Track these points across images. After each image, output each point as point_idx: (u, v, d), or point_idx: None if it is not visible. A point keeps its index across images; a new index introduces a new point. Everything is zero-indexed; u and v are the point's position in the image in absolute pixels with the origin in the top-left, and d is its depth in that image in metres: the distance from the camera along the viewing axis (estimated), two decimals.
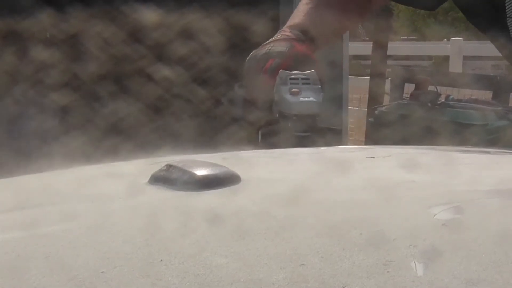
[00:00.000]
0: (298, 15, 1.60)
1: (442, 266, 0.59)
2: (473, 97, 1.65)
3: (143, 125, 3.52)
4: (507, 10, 1.48)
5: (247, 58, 1.52)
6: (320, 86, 1.41)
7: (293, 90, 1.39)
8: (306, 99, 1.38)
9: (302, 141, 1.36)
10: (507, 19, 1.48)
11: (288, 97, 1.39)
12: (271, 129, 1.43)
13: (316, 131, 1.39)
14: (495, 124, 1.40)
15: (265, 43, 1.52)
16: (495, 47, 1.63)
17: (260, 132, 1.45)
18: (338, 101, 3.96)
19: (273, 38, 1.53)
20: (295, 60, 1.45)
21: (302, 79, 1.41)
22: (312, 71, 1.42)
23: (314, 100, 1.38)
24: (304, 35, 1.53)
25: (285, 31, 1.54)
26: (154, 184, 0.82)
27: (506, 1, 1.47)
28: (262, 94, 1.45)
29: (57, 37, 3.42)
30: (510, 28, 1.48)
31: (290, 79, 1.40)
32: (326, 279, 0.58)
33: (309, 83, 1.40)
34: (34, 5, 3.28)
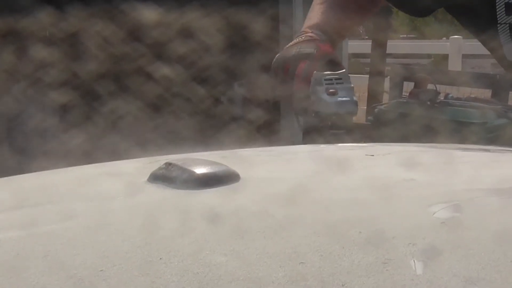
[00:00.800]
0: (316, 15, 1.62)
1: (441, 265, 0.59)
2: (473, 96, 1.65)
3: (142, 123, 3.52)
4: (498, 17, 1.49)
5: (274, 60, 1.54)
6: (352, 85, 1.45)
7: (330, 90, 1.42)
8: (343, 98, 1.42)
9: (339, 139, 1.41)
10: (498, 25, 1.49)
11: (326, 97, 1.42)
12: (311, 129, 1.47)
13: (351, 128, 1.44)
14: (494, 122, 1.40)
15: (290, 45, 1.54)
16: (487, 50, 1.65)
17: (302, 134, 1.49)
18: None
19: (297, 39, 1.55)
20: (322, 61, 1.48)
21: (336, 79, 1.44)
22: (343, 70, 1.45)
23: (351, 99, 1.43)
24: (325, 35, 1.56)
25: (307, 32, 1.56)
26: (153, 183, 0.82)
27: (497, 8, 1.48)
28: (297, 95, 1.48)
29: (57, 36, 3.42)
30: (500, 34, 1.50)
31: (325, 80, 1.43)
32: (325, 277, 0.58)
33: (342, 83, 1.44)
34: (34, 4, 3.28)
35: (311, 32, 1.56)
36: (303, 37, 1.54)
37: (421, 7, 1.67)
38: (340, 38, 1.72)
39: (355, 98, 1.43)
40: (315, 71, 1.45)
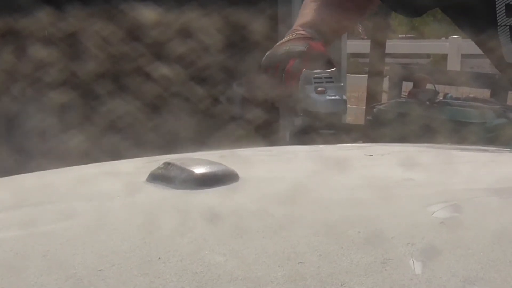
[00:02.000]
0: (308, 13, 1.60)
1: (440, 264, 0.59)
2: (472, 95, 1.65)
3: (141, 123, 3.52)
4: (498, 19, 1.48)
5: (264, 58, 1.52)
6: (342, 84, 1.42)
7: (319, 89, 1.40)
8: (332, 97, 1.40)
9: (328, 139, 1.38)
10: (498, 27, 1.48)
11: (315, 96, 1.40)
12: (299, 128, 1.45)
13: (341, 128, 1.41)
14: (493, 122, 1.40)
15: (281, 42, 1.52)
16: (484, 52, 1.63)
17: (288, 133, 1.47)
18: None
19: (289, 37, 1.52)
20: (313, 59, 1.45)
21: (326, 77, 1.42)
22: (334, 69, 1.43)
23: (340, 98, 1.40)
24: (317, 33, 1.53)
25: (298, 30, 1.54)
26: (152, 182, 0.82)
27: (497, 10, 1.47)
28: (286, 93, 1.46)
29: (56, 36, 3.42)
30: (500, 36, 1.48)
31: (314, 78, 1.41)
32: (324, 277, 0.58)
33: (332, 82, 1.41)
34: (33, 4, 3.28)
35: (303, 30, 1.53)
36: (294, 35, 1.52)
37: (415, 7, 1.67)
38: (334, 37, 1.70)
39: (344, 97, 1.42)
40: (304, 69, 1.43)
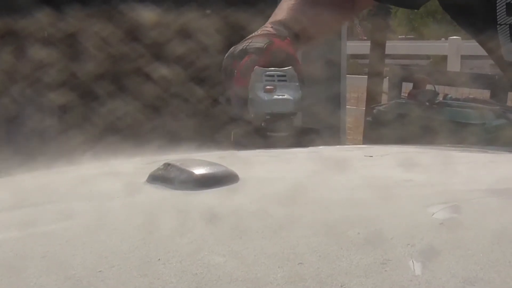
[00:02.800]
0: (282, 10, 1.54)
1: (439, 265, 0.59)
2: (471, 96, 1.65)
3: (141, 124, 3.52)
4: (498, 17, 1.47)
5: (226, 55, 1.45)
6: (297, 84, 1.34)
7: (267, 87, 1.32)
8: (280, 96, 1.31)
9: (277, 142, 1.29)
10: (498, 26, 1.47)
11: (262, 94, 1.32)
12: (245, 129, 1.35)
13: (292, 131, 1.32)
14: (493, 123, 1.41)
15: (244, 39, 1.45)
16: (485, 50, 1.62)
17: (232, 133, 1.37)
18: (336, 100, 3.97)
19: (254, 33, 1.46)
20: (274, 56, 1.38)
21: (278, 75, 1.33)
22: (289, 67, 1.34)
23: (289, 97, 1.31)
24: (287, 31, 1.47)
25: (266, 27, 1.48)
26: (152, 183, 0.82)
27: (497, 8, 1.46)
28: (236, 92, 1.38)
29: (56, 36, 3.42)
30: (499, 34, 1.47)
31: (266, 75, 1.33)
32: (324, 278, 0.58)
33: (285, 80, 1.33)
34: (33, 4, 3.28)
35: (271, 27, 1.47)
36: (259, 31, 1.46)
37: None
38: (309, 37, 1.60)
39: (296, 97, 1.31)
40: (256, 66, 1.35)
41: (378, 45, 5.91)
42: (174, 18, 3.18)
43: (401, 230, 0.66)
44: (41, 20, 3.23)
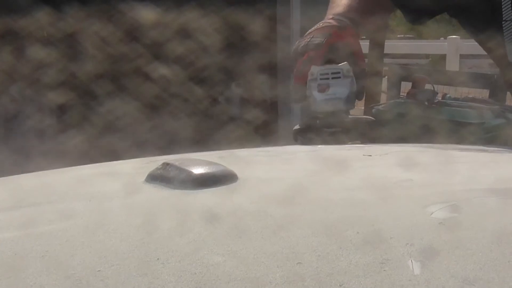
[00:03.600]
0: (340, 0, 1.51)
1: (439, 265, 0.59)
2: (470, 96, 1.65)
3: (140, 123, 3.52)
4: (503, 13, 1.45)
5: (292, 51, 1.44)
6: (351, 79, 1.37)
7: (321, 86, 1.36)
8: (331, 96, 1.35)
9: (330, 138, 1.34)
10: (503, 22, 1.46)
11: (315, 94, 1.36)
12: (302, 127, 1.39)
13: (345, 126, 1.35)
14: (492, 122, 1.40)
15: (307, 32, 1.44)
16: (484, 50, 1.61)
17: (293, 131, 1.40)
18: None
19: (315, 26, 1.44)
20: (332, 51, 1.39)
21: (333, 73, 1.36)
22: (344, 63, 1.37)
23: (339, 97, 1.35)
24: (348, 20, 1.45)
25: (327, 18, 1.46)
26: (151, 183, 0.82)
27: (503, 4, 1.45)
28: (296, 90, 1.41)
29: (57, 36, 3.41)
30: (504, 31, 1.46)
31: (321, 74, 1.36)
32: (323, 277, 0.58)
33: (339, 77, 1.36)
34: (32, 4, 3.28)
35: (332, 18, 1.45)
36: (321, 24, 1.44)
37: (419, 14, 1.64)
38: (367, 23, 1.58)
39: (346, 95, 1.35)
40: (312, 65, 1.37)
41: (377, 45, 5.91)
42: (174, 17, 3.18)
43: (400, 230, 0.66)
44: (40, 19, 3.23)
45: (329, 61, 1.39)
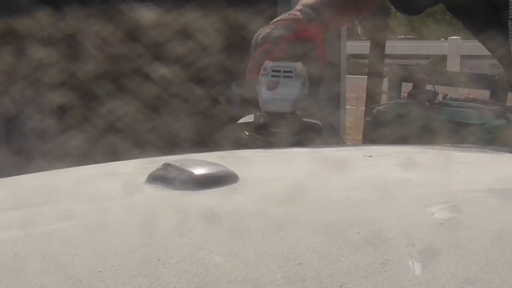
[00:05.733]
0: None
1: (439, 265, 0.59)
2: (471, 96, 1.65)
3: (140, 124, 3.52)
4: (510, 11, 1.43)
5: (252, 39, 1.35)
6: (302, 81, 1.28)
7: (270, 84, 1.27)
8: (278, 96, 1.27)
9: (276, 138, 1.26)
10: (509, 20, 1.44)
11: (263, 91, 1.28)
12: (250, 123, 1.31)
13: (290, 129, 1.27)
14: (492, 123, 1.41)
15: (271, 22, 1.36)
16: (487, 49, 1.59)
17: (237, 124, 1.32)
18: (335, 100, 3.97)
19: (280, 17, 1.36)
20: (291, 47, 1.30)
21: (285, 71, 1.28)
22: (299, 62, 1.28)
23: (287, 98, 1.27)
24: (316, 14, 1.36)
25: (295, 10, 1.37)
26: (151, 183, 0.81)
27: (510, 2, 1.42)
28: (247, 82, 1.33)
29: (55, 36, 3.42)
30: (510, 30, 1.44)
31: (273, 70, 1.28)
32: (324, 278, 0.58)
33: (291, 76, 1.28)
34: (32, 4, 3.28)
35: (299, 10, 1.36)
36: (286, 15, 1.36)
37: (417, 5, 1.61)
38: (338, 21, 1.50)
39: (294, 97, 1.27)
40: (266, 60, 1.29)
41: (378, 45, 5.92)
42: (174, 18, 3.19)
43: (401, 230, 0.66)
44: (41, 20, 3.23)
45: (284, 58, 1.30)
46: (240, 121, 1.31)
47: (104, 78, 3.39)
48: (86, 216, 0.75)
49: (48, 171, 1.00)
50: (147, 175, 0.83)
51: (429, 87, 1.51)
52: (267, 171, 0.92)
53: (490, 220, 0.68)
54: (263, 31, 1.33)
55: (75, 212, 0.75)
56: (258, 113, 1.30)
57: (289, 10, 1.41)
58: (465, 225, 0.66)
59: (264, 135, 1.28)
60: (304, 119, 1.29)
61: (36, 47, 3.26)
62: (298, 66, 1.29)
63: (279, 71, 1.29)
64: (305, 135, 1.28)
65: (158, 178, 0.81)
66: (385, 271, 0.58)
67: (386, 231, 0.65)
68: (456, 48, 8.98)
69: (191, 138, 3.31)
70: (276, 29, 1.32)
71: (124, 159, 1.05)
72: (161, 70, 3.31)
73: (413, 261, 0.59)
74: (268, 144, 1.25)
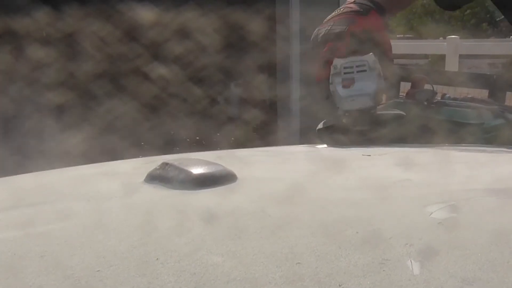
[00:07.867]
0: None
1: (438, 265, 0.59)
2: (469, 96, 1.65)
3: (139, 123, 3.52)
4: None
5: (311, 41, 1.31)
6: (378, 72, 1.25)
7: (345, 82, 1.24)
8: (357, 92, 1.24)
9: (361, 136, 1.23)
10: None
11: (340, 90, 1.24)
12: (330, 127, 1.26)
13: (374, 124, 1.25)
14: (491, 122, 1.40)
15: (327, 19, 1.31)
16: None
17: (317, 130, 1.26)
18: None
19: (335, 12, 1.31)
20: (356, 40, 1.27)
21: (358, 66, 1.25)
22: (370, 54, 1.25)
23: (367, 92, 1.24)
24: (372, 3, 1.32)
25: (349, 3, 1.33)
26: (150, 183, 0.81)
27: None
28: (320, 86, 1.29)
29: (57, 37, 3.41)
30: None
31: (344, 67, 1.25)
32: (322, 277, 0.58)
33: (365, 70, 1.25)
34: (32, 4, 3.28)
35: (353, 2, 1.32)
36: (341, 9, 1.31)
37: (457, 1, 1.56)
38: (393, 8, 1.42)
39: (373, 91, 1.23)
40: (335, 58, 1.25)
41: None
42: (173, 18, 3.18)
43: (400, 230, 0.66)
44: (40, 20, 3.23)
45: (353, 52, 1.27)
46: (320, 126, 1.26)
47: (102, 77, 3.39)
48: (85, 215, 0.75)
49: (47, 171, 1.00)
50: (145, 175, 0.83)
51: (427, 86, 1.51)
52: (265, 171, 0.92)
53: (488, 219, 0.68)
54: (322, 30, 1.30)
55: (73, 212, 0.75)
56: (336, 114, 1.26)
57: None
58: (463, 224, 0.66)
59: (353, 136, 1.24)
60: (386, 112, 1.26)
61: (36, 47, 3.26)
62: (370, 58, 1.26)
63: (352, 67, 1.25)
64: (391, 127, 1.25)
65: (156, 178, 0.81)
66: (383, 270, 0.58)
67: (385, 231, 0.65)
68: (455, 47, 8.99)
69: (190, 137, 3.31)
70: (336, 25, 1.29)
71: (122, 158, 1.05)
72: (160, 70, 3.31)
73: (412, 261, 0.59)
74: (358, 144, 1.21)
